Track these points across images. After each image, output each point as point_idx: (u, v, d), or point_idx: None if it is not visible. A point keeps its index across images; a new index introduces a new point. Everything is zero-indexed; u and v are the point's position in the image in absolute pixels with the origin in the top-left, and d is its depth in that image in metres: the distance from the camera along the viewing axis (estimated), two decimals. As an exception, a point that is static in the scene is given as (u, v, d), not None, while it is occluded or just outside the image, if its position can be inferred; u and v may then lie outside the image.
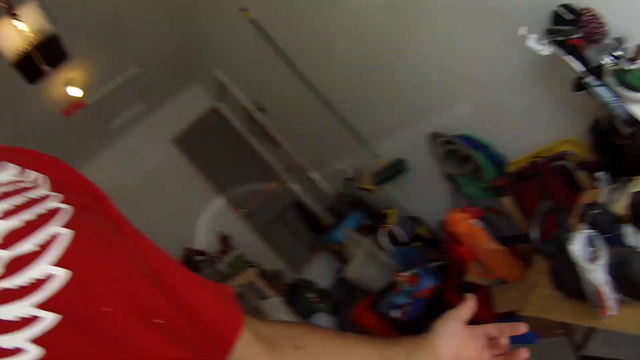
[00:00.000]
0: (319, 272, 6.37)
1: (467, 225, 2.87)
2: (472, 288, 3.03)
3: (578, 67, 2.07)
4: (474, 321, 0.82)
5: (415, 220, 4.48)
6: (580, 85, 2.09)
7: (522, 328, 0.80)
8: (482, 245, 2.81)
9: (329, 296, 5.93)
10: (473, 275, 2.92)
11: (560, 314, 1.69)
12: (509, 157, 3.10)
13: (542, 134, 2.82)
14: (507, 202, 2.94)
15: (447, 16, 2.79)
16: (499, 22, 2.52)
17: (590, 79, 2.03)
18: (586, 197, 2.10)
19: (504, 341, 0.80)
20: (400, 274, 3.89)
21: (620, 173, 2.16)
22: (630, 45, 2.03)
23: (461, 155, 3.33)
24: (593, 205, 1.91)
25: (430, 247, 4.05)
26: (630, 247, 1.67)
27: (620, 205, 1.84)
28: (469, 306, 0.82)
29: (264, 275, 5.33)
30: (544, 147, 2.78)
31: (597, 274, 1.50)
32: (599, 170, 2.18)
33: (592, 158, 2.47)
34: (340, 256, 5.46)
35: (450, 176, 3.53)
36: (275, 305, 4.96)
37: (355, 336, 0.76)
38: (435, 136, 3.39)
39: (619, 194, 1.95)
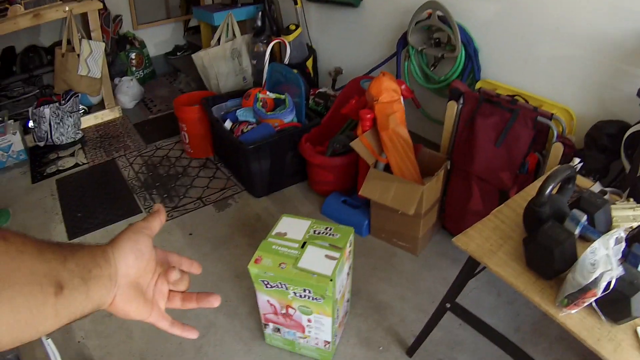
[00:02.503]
0: (159, 38, 5.41)
1: (392, 98, 2.53)
2: (344, 152, 2.94)
3: None
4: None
5: (311, 51, 3.96)
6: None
7: (214, 299, 0.71)
8: (393, 125, 2.50)
9: (149, 66, 5.19)
10: (360, 145, 2.62)
11: (505, 271, 1.51)
12: (486, 77, 2.77)
13: (548, 85, 2.51)
14: (451, 107, 2.60)
15: None
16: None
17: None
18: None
19: (174, 275, 0.66)
20: (264, 90, 3.45)
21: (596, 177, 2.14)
22: None
23: (438, 38, 2.91)
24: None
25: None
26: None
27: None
28: (161, 219, 0.68)
29: (102, 13, 4.37)
30: (534, 95, 2.53)
31: (602, 281, 1.29)
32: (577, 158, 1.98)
33: (573, 142, 2.31)
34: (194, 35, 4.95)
35: (407, 45, 3.03)
36: (93, 48, 4.06)
37: (24, 241, 0.50)
38: (432, 5, 2.79)
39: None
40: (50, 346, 1.92)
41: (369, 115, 2.56)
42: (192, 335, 0.71)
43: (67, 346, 2.28)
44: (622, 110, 2.23)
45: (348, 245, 1.96)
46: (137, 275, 0.61)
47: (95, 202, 3.34)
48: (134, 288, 0.61)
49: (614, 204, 1.67)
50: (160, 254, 0.69)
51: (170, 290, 0.68)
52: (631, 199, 1.77)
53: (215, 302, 0.71)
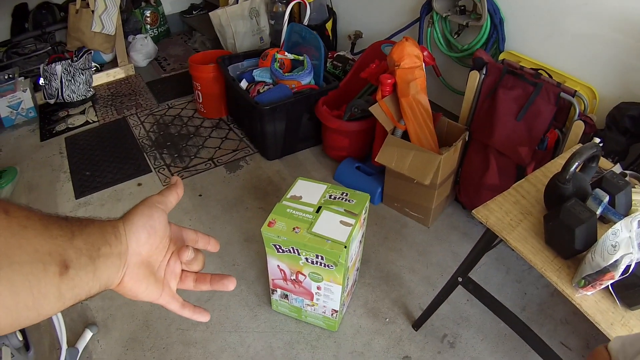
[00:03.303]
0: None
1: (414, 64, 2.48)
2: (361, 117, 2.89)
3: None
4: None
5: (331, 13, 3.86)
6: None
7: (230, 282, 0.66)
8: (413, 92, 2.45)
9: (164, 24, 5.14)
10: (378, 110, 2.58)
11: (524, 247, 1.48)
12: (510, 49, 2.69)
13: (573, 61, 2.44)
14: (472, 77, 2.52)
15: None
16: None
17: None
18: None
19: (188, 254, 0.61)
20: (282, 51, 3.37)
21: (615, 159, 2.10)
22: None
23: (464, 5, 2.81)
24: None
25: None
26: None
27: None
28: (177, 193, 0.63)
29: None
30: (558, 70, 2.45)
31: (622, 264, 1.25)
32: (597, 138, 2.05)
33: (594, 121, 2.24)
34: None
35: (431, 11, 2.95)
36: (108, 5, 4.00)
37: (28, 215, 0.45)
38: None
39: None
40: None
41: (389, 81, 2.51)
42: (204, 318, 0.66)
43: (69, 308, 2.27)
44: (646, 94, 2.18)
45: (363, 212, 1.93)
46: (148, 254, 0.57)
47: (104, 161, 3.32)
48: (145, 267, 0.57)
49: (634, 187, 1.63)
50: (175, 230, 0.64)
51: (182, 270, 0.64)
52: (650, 184, 1.74)
53: (230, 285, 0.66)
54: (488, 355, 2.11)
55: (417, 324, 2.18)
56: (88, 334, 2.15)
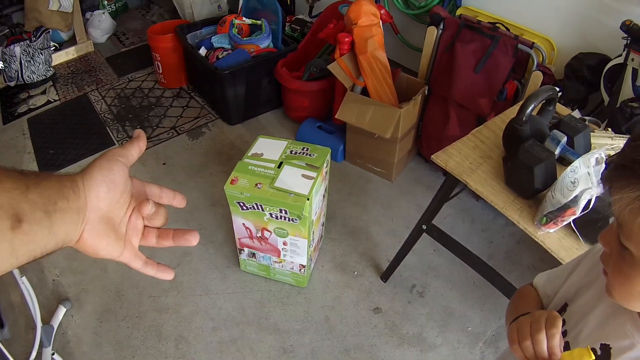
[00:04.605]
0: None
1: (371, 21, 2.41)
2: (320, 76, 2.85)
3: None
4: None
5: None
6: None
7: (192, 237, 0.60)
8: (371, 49, 2.41)
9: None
10: (337, 68, 2.53)
11: (484, 188, 1.44)
12: (467, 4, 2.64)
13: (530, 15, 2.42)
14: (430, 32, 2.49)
15: None
16: None
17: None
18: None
19: (148, 208, 0.55)
20: (240, 16, 3.28)
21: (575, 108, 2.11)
22: None
23: None
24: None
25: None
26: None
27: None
28: (140, 146, 0.57)
29: None
30: (515, 24, 2.43)
31: (582, 199, 1.24)
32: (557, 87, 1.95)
33: (552, 72, 2.25)
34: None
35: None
36: None
37: None
38: None
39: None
40: (25, 284, 1.85)
41: (347, 39, 2.45)
42: (168, 276, 0.62)
43: (42, 285, 2.21)
44: (603, 44, 2.17)
45: (325, 165, 1.89)
46: (108, 209, 0.52)
47: (67, 138, 3.20)
48: (105, 223, 0.52)
49: (593, 131, 1.62)
50: (138, 185, 0.58)
51: (145, 226, 0.59)
52: (609, 129, 1.72)
53: (193, 240, 0.61)
54: (458, 303, 2.10)
55: (385, 276, 2.16)
56: (62, 310, 2.08)
